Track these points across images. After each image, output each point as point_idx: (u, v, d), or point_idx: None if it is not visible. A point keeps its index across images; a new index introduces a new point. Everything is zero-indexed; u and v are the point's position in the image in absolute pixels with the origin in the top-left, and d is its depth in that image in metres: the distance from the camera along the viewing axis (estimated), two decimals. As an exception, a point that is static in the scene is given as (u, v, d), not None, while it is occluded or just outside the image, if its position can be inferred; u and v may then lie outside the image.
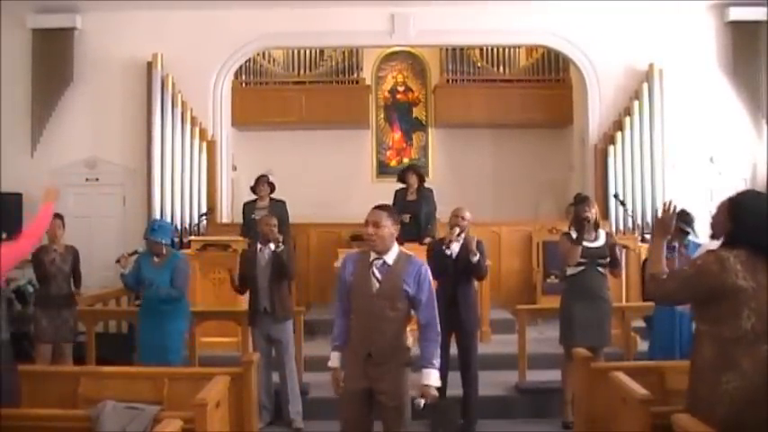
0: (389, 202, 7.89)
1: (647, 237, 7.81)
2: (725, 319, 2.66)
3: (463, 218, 5.31)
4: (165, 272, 5.19)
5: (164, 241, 5.22)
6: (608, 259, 5.18)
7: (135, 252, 5.35)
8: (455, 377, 5.32)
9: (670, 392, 3.58)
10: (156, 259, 5.19)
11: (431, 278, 3.53)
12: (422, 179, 7.77)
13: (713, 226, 3.81)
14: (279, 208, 7.24)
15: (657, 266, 2.95)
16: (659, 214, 3.14)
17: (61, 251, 5.57)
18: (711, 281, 2.68)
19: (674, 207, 3.10)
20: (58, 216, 5.52)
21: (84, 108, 8.54)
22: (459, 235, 5.27)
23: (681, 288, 2.81)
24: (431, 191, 7.80)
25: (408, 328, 3.61)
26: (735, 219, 2.82)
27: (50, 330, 5.42)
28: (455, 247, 5.28)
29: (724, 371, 2.62)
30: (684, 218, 5.19)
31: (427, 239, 7.30)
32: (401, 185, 7.84)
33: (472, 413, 5.28)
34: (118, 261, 5.21)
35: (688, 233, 5.21)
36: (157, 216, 8.18)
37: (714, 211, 3.72)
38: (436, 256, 5.26)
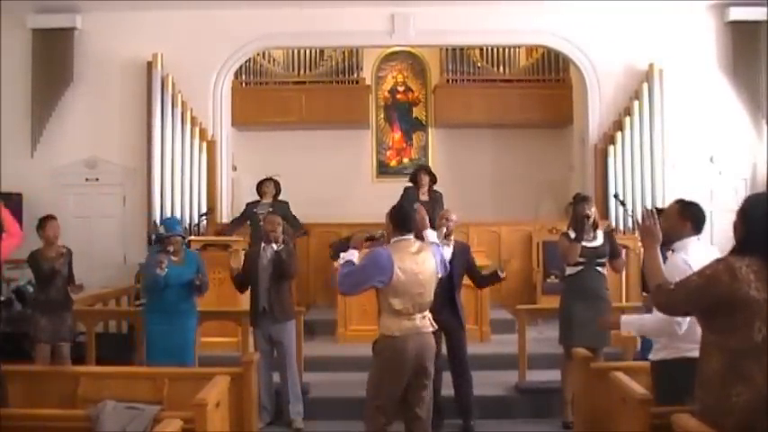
0: (389, 201, 7.89)
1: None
2: (735, 330, 2.55)
3: (448, 219, 5.31)
4: (189, 268, 5.18)
5: (184, 235, 5.29)
6: (607, 258, 5.19)
7: (167, 252, 5.14)
8: (449, 378, 5.33)
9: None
10: (174, 258, 5.14)
11: (361, 263, 3.87)
12: (434, 180, 7.76)
13: (665, 231, 3.73)
14: (282, 208, 7.26)
15: (660, 276, 2.86)
16: (640, 224, 3.07)
17: (59, 254, 5.54)
18: (721, 291, 2.56)
19: (654, 212, 3.05)
20: (54, 218, 5.52)
21: (84, 108, 8.54)
22: (446, 237, 5.26)
23: (689, 298, 2.70)
24: (441, 194, 7.78)
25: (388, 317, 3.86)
26: (746, 225, 2.67)
27: (49, 331, 5.41)
28: (447, 251, 5.27)
29: (733, 383, 2.53)
30: None
31: None
32: (410, 184, 7.82)
33: (469, 413, 5.27)
34: (160, 263, 4.96)
35: None
36: (157, 216, 8.18)
37: (667, 213, 3.70)
38: None
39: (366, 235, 4.16)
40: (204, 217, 8.30)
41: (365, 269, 3.81)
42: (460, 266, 5.29)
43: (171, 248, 5.14)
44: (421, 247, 3.93)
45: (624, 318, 3.56)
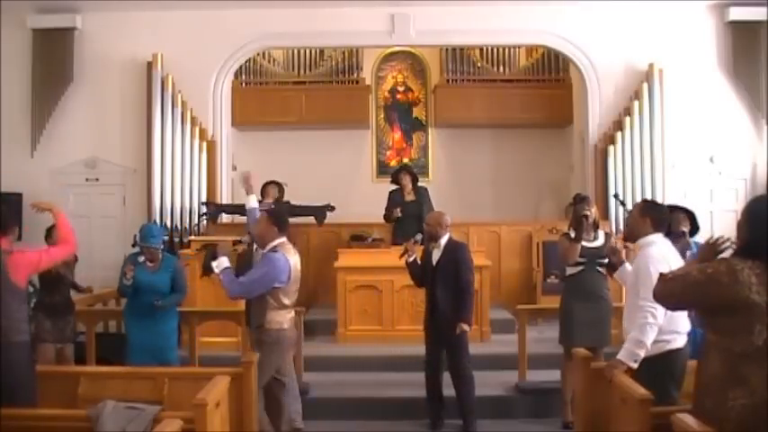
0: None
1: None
2: (735, 332, 2.53)
3: (427, 224, 5.37)
4: (162, 275, 5.21)
5: (161, 246, 5.27)
6: (607, 259, 5.19)
7: (135, 262, 5.22)
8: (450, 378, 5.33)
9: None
10: (150, 264, 5.20)
11: (261, 269, 4.40)
12: (415, 179, 7.82)
13: (630, 228, 3.94)
14: (282, 209, 7.26)
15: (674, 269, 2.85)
16: (710, 241, 3.00)
17: (68, 260, 5.55)
18: (721, 293, 2.54)
19: (730, 243, 2.90)
20: None
21: (84, 108, 8.54)
22: (431, 240, 5.29)
23: (685, 292, 2.69)
24: (426, 189, 7.87)
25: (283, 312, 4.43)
26: (751, 227, 2.62)
27: (54, 332, 5.44)
28: (436, 254, 5.30)
29: (732, 386, 2.51)
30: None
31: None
32: (394, 187, 7.88)
33: (470, 414, 5.27)
34: (124, 274, 5.10)
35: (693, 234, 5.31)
36: (157, 217, 8.19)
37: (632, 212, 3.86)
38: (408, 263, 5.39)
39: (232, 240, 4.70)
40: (204, 216, 8.28)
41: (269, 274, 4.35)
42: (445, 269, 5.23)
43: (142, 258, 5.20)
44: (293, 249, 4.57)
45: (623, 356, 3.53)
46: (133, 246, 5.40)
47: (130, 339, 5.23)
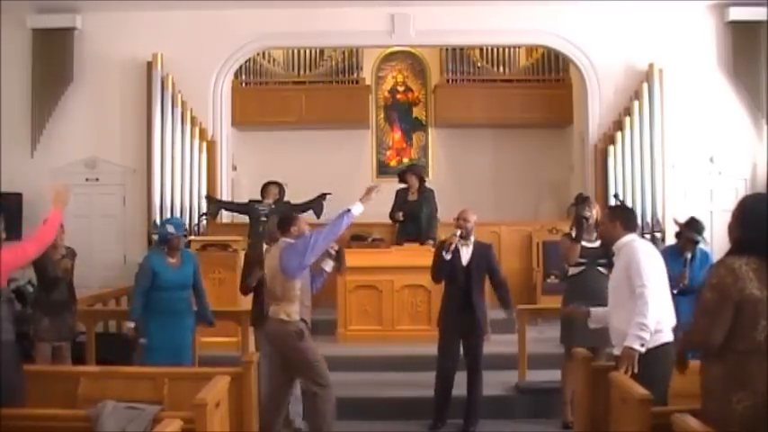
0: (389, 201, 7.94)
1: (647, 237, 7.82)
2: (738, 330, 2.52)
3: (465, 219, 5.33)
4: (186, 269, 5.20)
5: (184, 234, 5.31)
6: (607, 260, 5.19)
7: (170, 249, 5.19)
8: (461, 377, 5.33)
9: (670, 393, 3.58)
10: (171, 260, 5.15)
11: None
12: (422, 180, 7.84)
13: (604, 236, 4.05)
14: (284, 208, 7.27)
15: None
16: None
17: (64, 256, 5.55)
18: (732, 294, 2.53)
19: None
20: (61, 225, 5.52)
21: (84, 108, 8.54)
22: (462, 237, 5.27)
23: (714, 320, 2.58)
24: (432, 191, 7.87)
25: None
26: (744, 224, 2.65)
27: (52, 331, 5.44)
28: (465, 252, 5.28)
29: (735, 389, 2.50)
30: (695, 226, 5.22)
31: (429, 241, 7.35)
32: (402, 185, 7.89)
33: (475, 414, 5.28)
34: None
35: (698, 242, 5.22)
36: (157, 216, 8.18)
37: (602, 221, 3.96)
38: (441, 259, 5.30)
39: None
40: (204, 216, 8.28)
41: None
42: (479, 268, 5.29)
43: (180, 245, 5.19)
44: None
45: (630, 342, 3.56)
46: (160, 241, 5.30)
47: (151, 341, 5.06)
